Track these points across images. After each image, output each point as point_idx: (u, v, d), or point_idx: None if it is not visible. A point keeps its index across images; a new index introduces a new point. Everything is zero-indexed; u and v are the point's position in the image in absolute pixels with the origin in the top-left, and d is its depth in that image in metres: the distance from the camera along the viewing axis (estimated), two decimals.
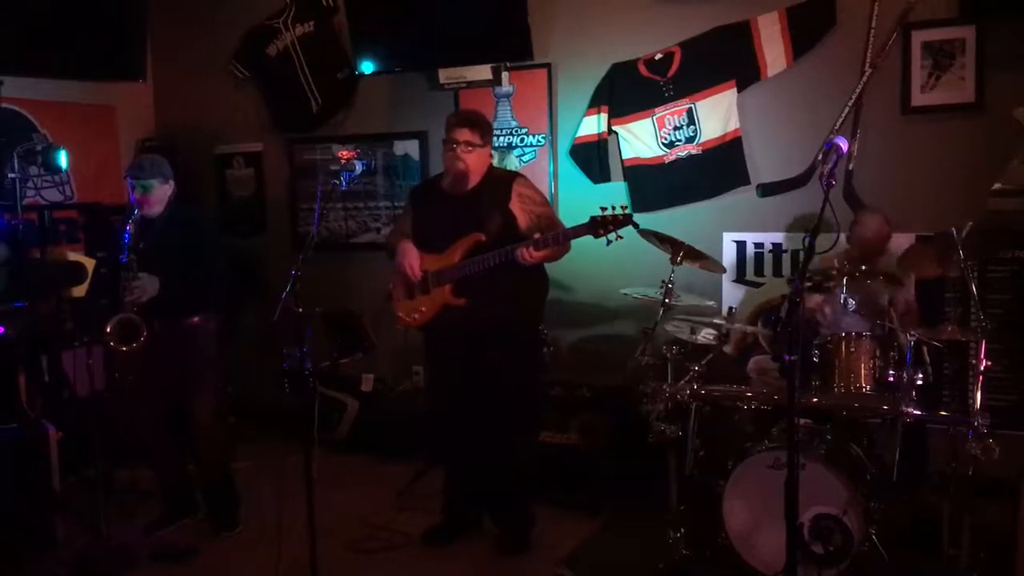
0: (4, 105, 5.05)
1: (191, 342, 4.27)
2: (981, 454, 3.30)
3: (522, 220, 3.96)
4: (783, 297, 4.55)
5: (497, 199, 3.96)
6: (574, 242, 4.00)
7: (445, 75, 5.50)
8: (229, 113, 6.46)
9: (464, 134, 3.93)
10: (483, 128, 4.00)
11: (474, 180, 4.00)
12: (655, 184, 5.20)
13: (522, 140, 5.56)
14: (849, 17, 4.70)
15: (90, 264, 5.19)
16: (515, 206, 3.96)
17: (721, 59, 4.97)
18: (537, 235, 3.81)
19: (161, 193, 4.24)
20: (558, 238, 3.78)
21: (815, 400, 3.71)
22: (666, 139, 5.15)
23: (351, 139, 6.01)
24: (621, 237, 3.69)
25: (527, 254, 3.75)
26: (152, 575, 4.05)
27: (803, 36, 4.79)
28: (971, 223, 3.59)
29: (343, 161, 3.82)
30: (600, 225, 3.67)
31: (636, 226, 3.72)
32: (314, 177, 6.18)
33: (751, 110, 4.98)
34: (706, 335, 4.19)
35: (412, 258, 4.03)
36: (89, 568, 3.97)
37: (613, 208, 3.68)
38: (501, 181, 4.03)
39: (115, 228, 4.15)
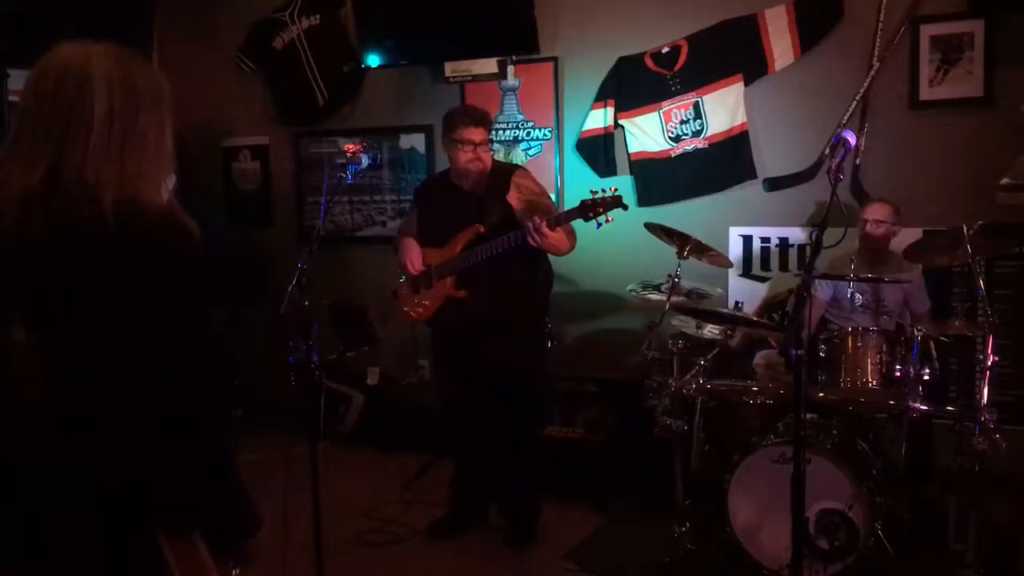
0: (11, 98, 5.05)
1: None
2: (988, 449, 3.29)
3: (518, 207, 3.96)
4: (790, 292, 4.55)
5: (497, 192, 3.98)
6: (581, 237, 4.00)
7: (451, 69, 5.49)
8: (235, 106, 6.46)
9: (480, 133, 3.95)
10: (490, 124, 4.06)
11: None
12: (661, 178, 5.19)
13: (528, 134, 5.55)
14: (857, 11, 4.68)
15: None
16: (512, 197, 3.97)
17: (728, 53, 4.96)
18: (534, 219, 3.78)
19: None
20: (550, 223, 3.78)
21: (821, 395, 3.71)
22: (673, 133, 5.14)
23: (357, 132, 6.01)
24: (611, 220, 3.71)
25: (535, 224, 3.68)
26: None
27: (811, 30, 4.78)
28: (980, 223, 3.59)
29: (349, 154, 3.81)
30: (589, 208, 3.70)
31: (625, 207, 3.75)
32: (320, 170, 6.19)
33: (758, 104, 4.97)
34: (712, 330, 4.19)
35: (413, 254, 4.06)
36: None
37: (603, 191, 3.71)
38: (501, 174, 4.05)
39: None
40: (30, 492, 1.42)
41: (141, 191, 1.53)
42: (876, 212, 4.27)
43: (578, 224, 3.86)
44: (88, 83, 1.54)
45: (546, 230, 3.69)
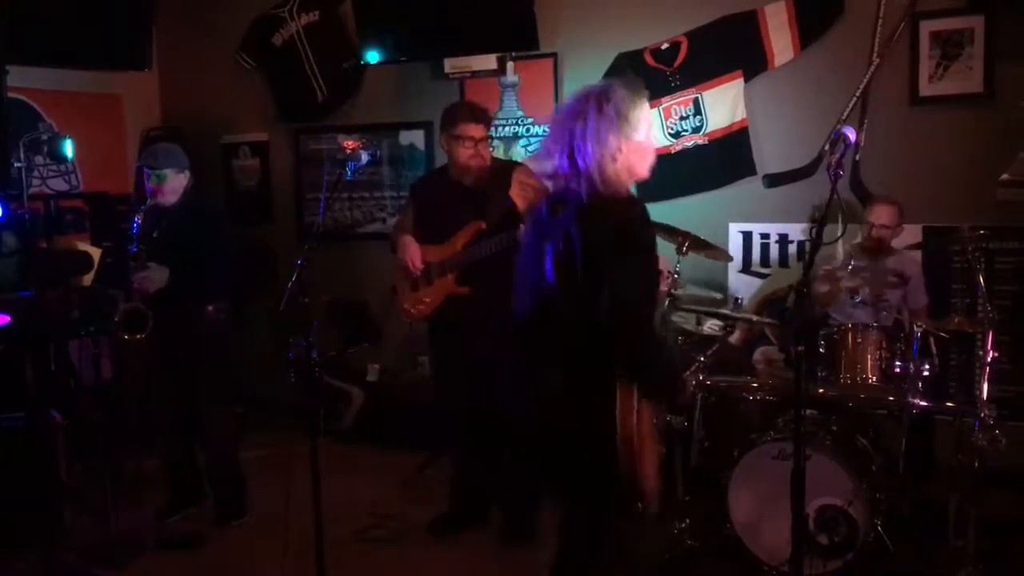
0: (10, 95, 5.04)
1: (203, 331, 4.27)
2: (987, 445, 3.30)
3: (521, 204, 3.96)
4: (790, 287, 4.55)
5: (499, 188, 3.97)
6: None
7: (450, 65, 5.48)
8: (235, 103, 6.45)
9: (480, 130, 3.97)
10: (490, 121, 4.07)
11: None
12: (661, 174, 5.07)
13: (528, 130, 5.54)
14: (857, 6, 4.68)
15: (96, 253, 5.20)
16: (514, 193, 3.97)
17: (728, 49, 4.96)
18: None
19: (176, 183, 4.23)
20: None
21: (821, 391, 3.72)
22: (672, 129, 5.14)
23: (357, 129, 6.00)
24: None
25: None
26: (159, 563, 4.06)
27: (810, 26, 4.78)
28: (982, 230, 3.61)
29: (349, 151, 3.81)
30: None
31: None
32: (320, 167, 6.18)
33: (758, 100, 4.97)
34: (712, 326, 4.19)
35: (412, 251, 4.05)
36: (96, 556, 3.99)
37: None
38: (502, 170, 4.05)
39: (123, 217, 4.15)
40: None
41: (615, 183, 2.45)
42: (883, 215, 4.25)
43: None
44: (584, 108, 2.45)
45: None
